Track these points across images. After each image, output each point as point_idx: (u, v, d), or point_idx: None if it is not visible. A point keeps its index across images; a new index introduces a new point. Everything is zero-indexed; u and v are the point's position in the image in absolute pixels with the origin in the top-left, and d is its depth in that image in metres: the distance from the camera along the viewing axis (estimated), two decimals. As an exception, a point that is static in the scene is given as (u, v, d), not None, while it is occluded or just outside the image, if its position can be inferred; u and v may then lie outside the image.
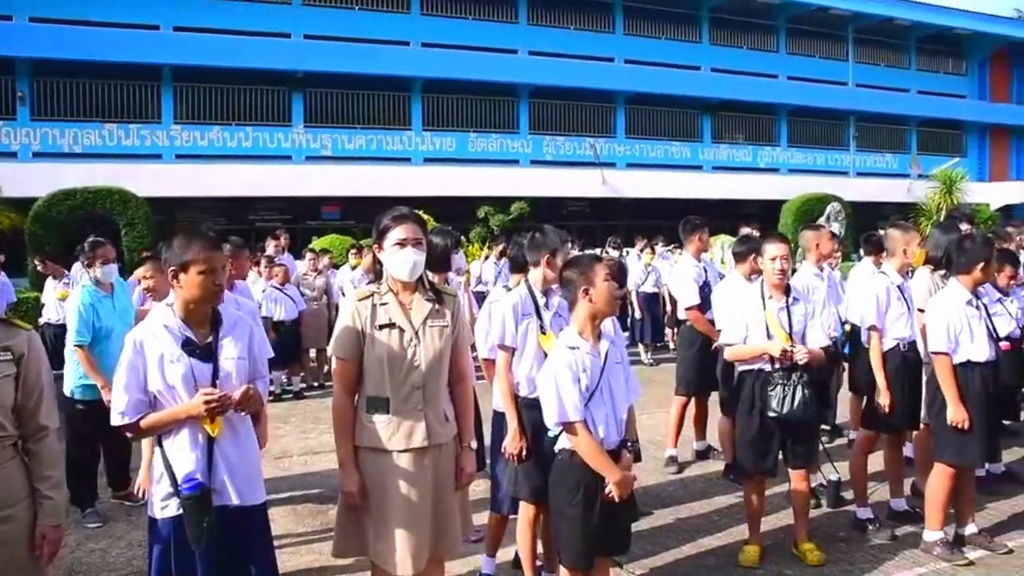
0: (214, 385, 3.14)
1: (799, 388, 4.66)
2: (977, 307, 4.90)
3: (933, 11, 33.12)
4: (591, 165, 26.31)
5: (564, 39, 27.56)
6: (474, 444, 3.68)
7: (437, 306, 3.46)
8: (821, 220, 15.57)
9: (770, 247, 4.85)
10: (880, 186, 31.00)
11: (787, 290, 4.89)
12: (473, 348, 4.62)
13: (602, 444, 3.58)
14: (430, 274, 3.64)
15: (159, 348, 3.14)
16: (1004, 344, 5.02)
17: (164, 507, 3.15)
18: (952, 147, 35.46)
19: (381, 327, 3.38)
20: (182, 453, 3.14)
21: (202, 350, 3.18)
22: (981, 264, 4.86)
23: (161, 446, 3.18)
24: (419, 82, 25.46)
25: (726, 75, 29.78)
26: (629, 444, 3.77)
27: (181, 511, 3.08)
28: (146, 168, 20.72)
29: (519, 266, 4.68)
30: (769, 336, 4.79)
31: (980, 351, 4.82)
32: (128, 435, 3.33)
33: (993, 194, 32.67)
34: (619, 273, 3.72)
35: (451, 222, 18.03)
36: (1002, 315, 6.01)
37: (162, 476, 3.16)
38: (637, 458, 4.12)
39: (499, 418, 4.47)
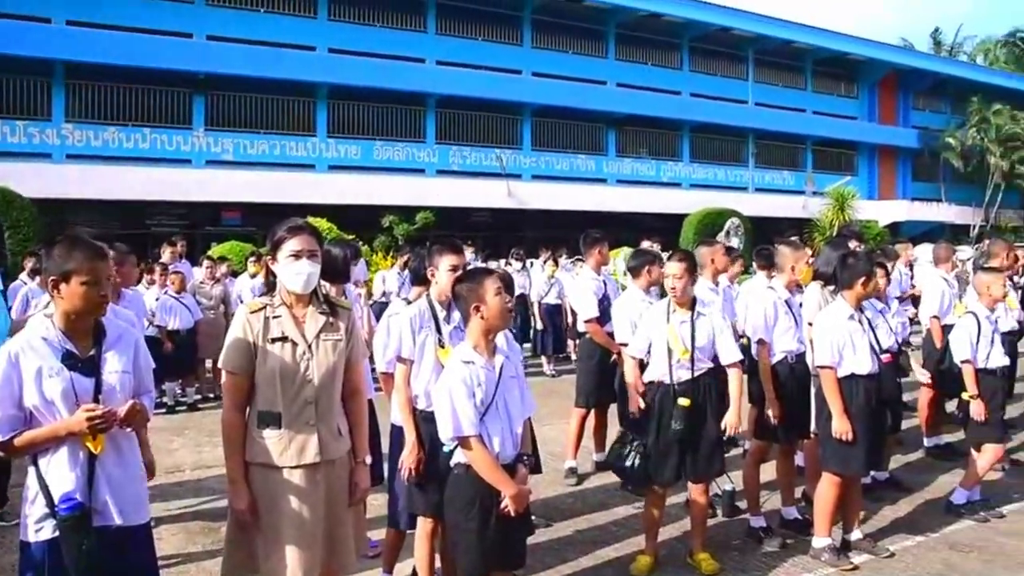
0: (97, 400, 2.99)
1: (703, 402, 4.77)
2: (860, 321, 5.08)
3: (829, 36, 34.63)
4: (497, 176, 26.46)
5: (472, 50, 27.61)
6: (368, 459, 3.62)
7: (331, 319, 3.40)
8: (720, 235, 16.00)
9: (668, 265, 4.95)
10: (777, 202, 32.16)
11: (693, 304, 4.98)
12: (372, 360, 4.56)
13: (497, 458, 3.57)
14: (328, 286, 3.57)
15: (37, 361, 2.97)
16: (886, 357, 5.21)
17: (39, 529, 2.97)
18: (844, 166, 37.04)
19: (273, 340, 3.30)
20: (60, 472, 2.98)
21: (84, 364, 3.03)
22: (862, 279, 5.04)
23: (36, 465, 3.01)
24: (325, 88, 25.12)
25: (631, 90, 30.42)
26: (525, 458, 3.77)
27: (57, 533, 2.92)
28: (33, 167, 19.83)
29: (420, 278, 4.63)
30: (669, 350, 4.87)
31: (863, 364, 5.00)
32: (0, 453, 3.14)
33: (882, 211, 34.28)
34: (507, 284, 3.71)
35: (355, 231, 18.04)
36: (883, 328, 6.30)
37: (36, 496, 2.99)
38: (535, 471, 4.13)
39: (397, 432, 4.41)
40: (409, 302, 4.59)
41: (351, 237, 13.63)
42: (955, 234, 34.88)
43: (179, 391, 10.10)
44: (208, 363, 10.65)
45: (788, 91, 35.47)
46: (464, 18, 27.73)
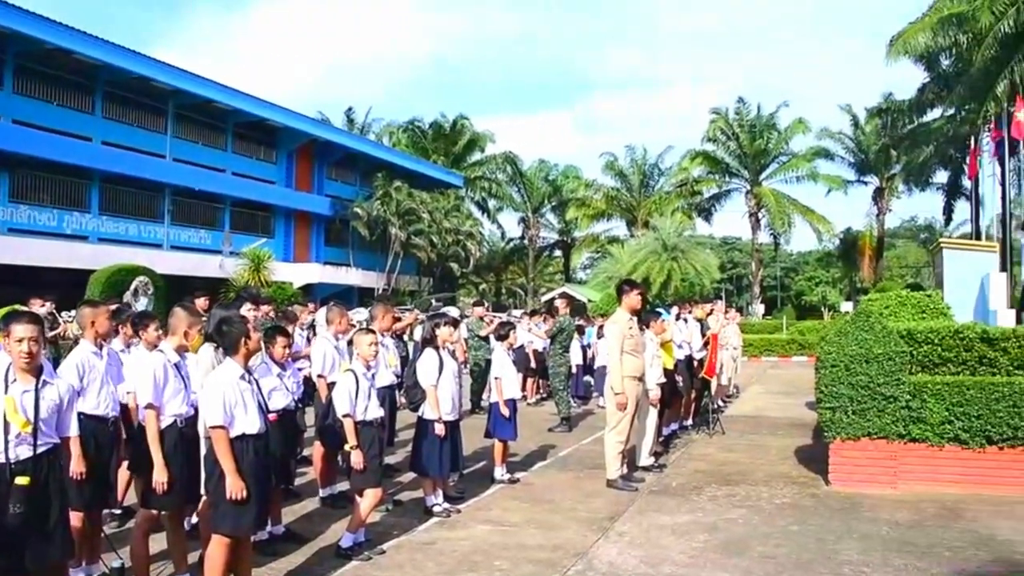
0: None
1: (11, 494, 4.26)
2: (249, 382, 5.20)
3: (250, 101, 35.40)
4: None
5: None
6: None
7: None
8: (127, 294, 15.20)
9: (16, 328, 4.43)
10: (194, 260, 31.63)
11: (39, 372, 4.53)
12: None
13: None
14: None
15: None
16: (272, 416, 5.39)
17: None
18: (262, 228, 38.18)
19: None
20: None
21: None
22: (242, 341, 5.17)
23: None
24: None
25: (35, 131, 27.37)
26: None
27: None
28: None
29: None
30: (6, 423, 4.33)
31: (252, 424, 5.10)
32: None
33: (297, 273, 36.03)
34: None
35: None
36: (280, 389, 6.54)
37: None
38: None
39: None
40: None
41: None
42: (362, 296, 38.19)
43: None
44: None
45: (209, 149, 35.45)
46: None
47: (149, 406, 5.22)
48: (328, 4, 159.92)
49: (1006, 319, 12.41)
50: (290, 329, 7.53)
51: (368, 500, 6.30)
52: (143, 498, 5.39)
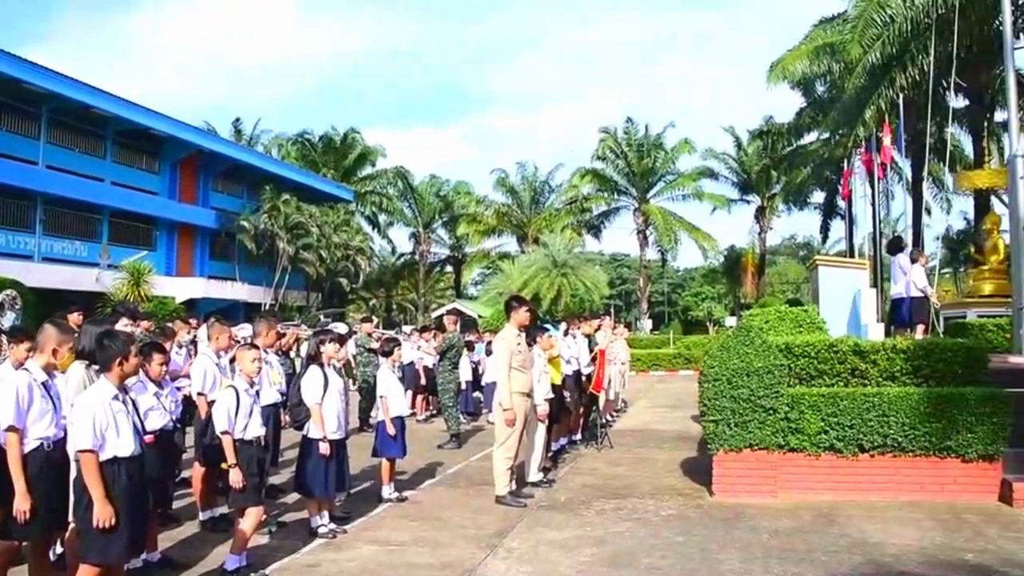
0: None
1: None
2: (124, 402, 4.97)
3: (132, 108, 34.01)
4: None
5: None
6: None
7: None
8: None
9: None
10: (68, 273, 30.15)
11: None
12: None
13: None
14: None
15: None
16: (148, 437, 5.18)
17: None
18: (143, 241, 36.78)
19: None
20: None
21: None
22: (118, 360, 4.94)
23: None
24: None
25: None
26: None
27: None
28: None
29: None
30: None
31: (126, 446, 4.88)
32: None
33: (180, 288, 34.85)
34: None
35: None
36: (157, 409, 6.29)
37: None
38: None
39: None
40: None
41: None
42: (248, 312, 37.19)
43: None
44: None
45: (86, 157, 33.82)
46: None
47: (11, 428, 4.93)
48: (220, 12, 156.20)
49: (876, 333, 13.02)
50: (168, 346, 7.26)
51: (250, 520, 6.12)
52: (2, 527, 5.08)
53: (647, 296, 53.48)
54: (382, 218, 57.76)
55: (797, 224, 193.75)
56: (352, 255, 45.21)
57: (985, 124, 23.11)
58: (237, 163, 42.27)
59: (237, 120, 52.75)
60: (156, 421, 6.19)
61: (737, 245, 57.87)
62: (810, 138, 38.72)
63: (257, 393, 6.50)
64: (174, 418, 6.73)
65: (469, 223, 54.87)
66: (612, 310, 54.99)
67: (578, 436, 12.60)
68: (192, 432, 8.11)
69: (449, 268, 64.61)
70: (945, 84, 19.69)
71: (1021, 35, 21.57)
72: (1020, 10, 19.74)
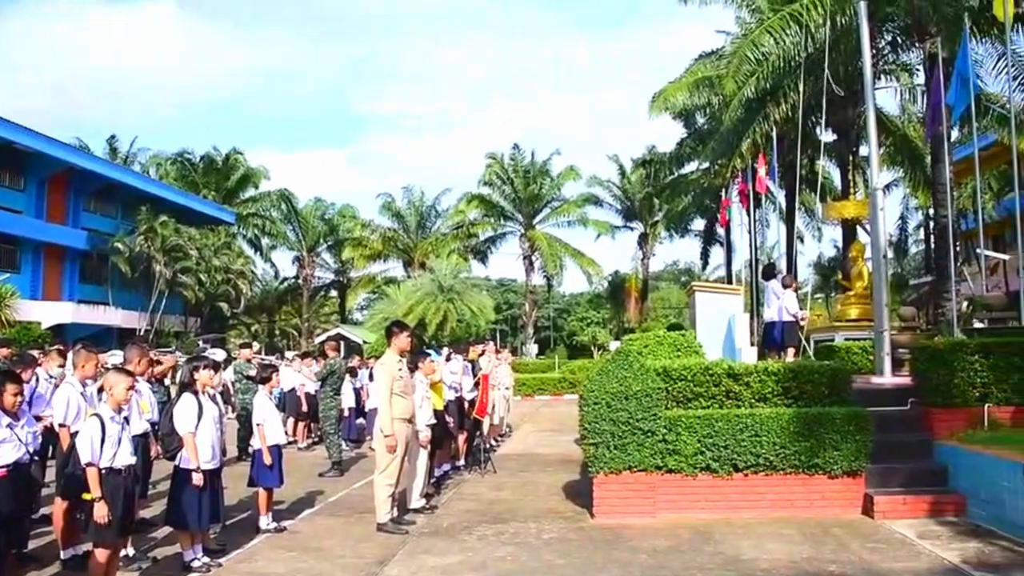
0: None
1: None
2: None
3: (-7, 123, 32.40)
4: None
5: None
6: None
7: None
8: None
9: None
10: (-79, 297, 28.27)
11: None
12: None
13: None
14: None
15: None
16: (1, 471, 4.89)
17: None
18: (6, 263, 34.88)
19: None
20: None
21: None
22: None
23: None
24: None
25: None
26: None
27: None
28: None
29: None
30: None
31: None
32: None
33: (46, 312, 33.15)
34: None
35: None
36: (11, 441, 5.95)
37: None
38: None
39: None
40: None
41: None
42: (122, 337, 35.66)
43: None
44: None
45: (-57, 175, 32.03)
46: None
47: None
48: (93, 23, 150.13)
49: (749, 356, 13.52)
50: (27, 374, 6.88)
51: (104, 556, 5.82)
52: None
53: (533, 321, 54.02)
54: (265, 241, 56.65)
55: (679, 250, 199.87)
56: (233, 279, 44.11)
57: (851, 158, 24.43)
58: (111, 182, 40.68)
59: (112, 137, 51.08)
60: (10, 454, 5.86)
61: (621, 271, 59.38)
62: (691, 167, 40.11)
63: (126, 419, 6.21)
64: (31, 450, 6.37)
65: (354, 247, 54.34)
66: (498, 335, 55.28)
67: (461, 461, 12.57)
68: (53, 465, 7.69)
69: (334, 293, 63.77)
70: (815, 119, 20.77)
71: (881, 76, 23.04)
72: (880, 54, 21.05)
